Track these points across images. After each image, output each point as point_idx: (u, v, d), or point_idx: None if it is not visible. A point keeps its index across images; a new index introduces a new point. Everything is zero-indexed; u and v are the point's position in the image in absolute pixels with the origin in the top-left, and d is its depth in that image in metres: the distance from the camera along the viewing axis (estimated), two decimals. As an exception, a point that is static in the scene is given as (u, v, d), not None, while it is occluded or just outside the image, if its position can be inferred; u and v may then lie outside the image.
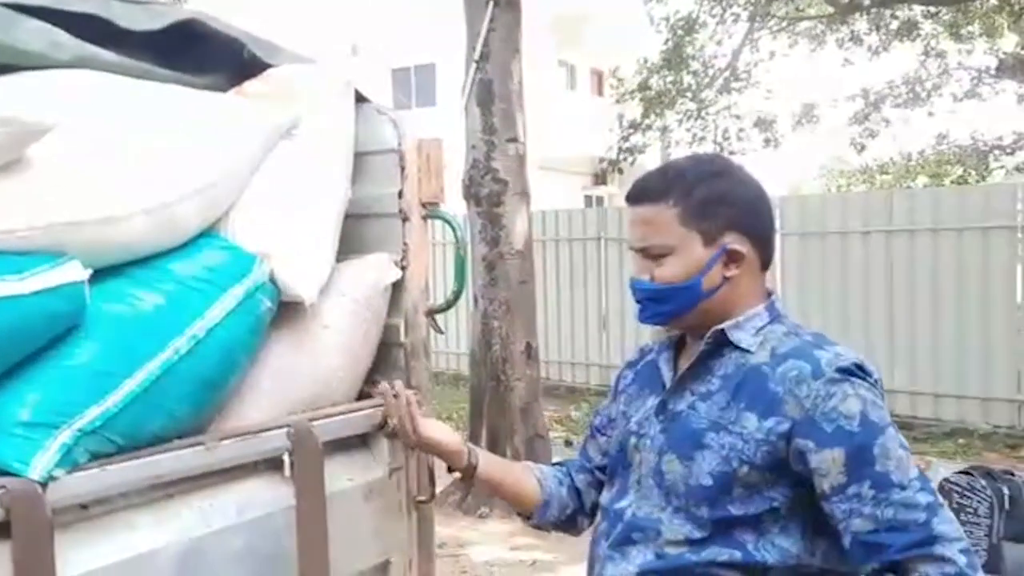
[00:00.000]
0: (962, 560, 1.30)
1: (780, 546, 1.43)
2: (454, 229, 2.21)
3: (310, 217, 1.99)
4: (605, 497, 1.67)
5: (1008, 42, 15.27)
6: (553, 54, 19.27)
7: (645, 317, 1.60)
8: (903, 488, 1.33)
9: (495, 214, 6.52)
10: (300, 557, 1.83)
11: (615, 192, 18.16)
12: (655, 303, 1.57)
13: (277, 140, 1.98)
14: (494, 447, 6.30)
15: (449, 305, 2.24)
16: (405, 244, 2.17)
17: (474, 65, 6.48)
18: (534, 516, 1.76)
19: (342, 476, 1.98)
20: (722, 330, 1.51)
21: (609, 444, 1.71)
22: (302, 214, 1.97)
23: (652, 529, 1.54)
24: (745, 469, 1.43)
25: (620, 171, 11.85)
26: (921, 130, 17.10)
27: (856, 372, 1.40)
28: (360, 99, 2.20)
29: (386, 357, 2.22)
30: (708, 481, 1.47)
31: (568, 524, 1.81)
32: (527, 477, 1.74)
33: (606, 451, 1.73)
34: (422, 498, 2.15)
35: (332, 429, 1.95)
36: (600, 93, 21.08)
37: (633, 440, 1.61)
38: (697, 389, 1.53)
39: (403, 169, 2.15)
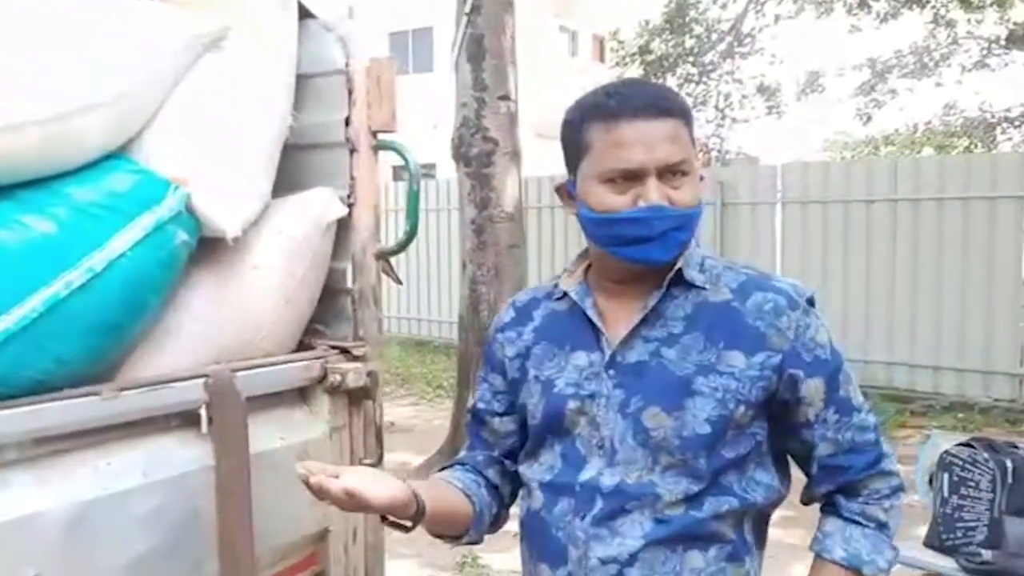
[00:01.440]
0: (898, 471, 1.46)
1: (761, 482, 1.41)
2: (407, 160, 1.97)
3: (239, 142, 1.75)
4: (540, 474, 1.46)
5: (1019, 12, 14.90)
6: (554, 21, 18.89)
7: (660, 252, 1.35)
8: (859, 411, 1.42)
9: (484, 175, 6.28)
10: (220, 526, 1.61)
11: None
12: (679, 232, 1.35)
13: (201, 52, 1.74)
14: (480, 415, 6.10)
15: (402, 247, 2.01)
16: (352, 177, 1.94)
17: (465, 19, 6.21)
18: (469, 533, 1.52)
19: (272, 435, 1.76)
20: (679, 269, 1.39)
21: (507, 424, 1.56)
22: (229, 139, 1.74)
23: (648, 494, 1.35)
24: (742, 409, 1.35)
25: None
26: (928, 101, 16.77)
27: (813, 302, 1.43)
28: (305, 14, 1.95)
29: (331, 305, 1.99)
30: (706, 429, 1.35)
31: (494, 527, 1.60)
32: (457, 496, 1.50)
33: (510, 431, 1.56)
34: (368, 461, 1.93)
35: (260, 382, 1.73)
36: (602, 59, 20.67)
37: (573, 404, 1.42)
38: (653, 335, 1.39)
39: (351, 93, 1.92)
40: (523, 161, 6.51)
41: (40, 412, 1.38)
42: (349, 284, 1.98)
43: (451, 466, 1.62)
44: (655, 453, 1.36)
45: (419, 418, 7.63)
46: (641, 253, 1.35)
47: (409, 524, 1.37)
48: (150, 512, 1.52)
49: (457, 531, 1.50)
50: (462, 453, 1.66)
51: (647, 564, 1.35)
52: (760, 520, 1.43)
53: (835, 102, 17.94)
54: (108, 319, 1.49)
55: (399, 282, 2.23)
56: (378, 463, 1.94)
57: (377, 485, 1.29)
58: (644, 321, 1.39)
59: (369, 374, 1.90)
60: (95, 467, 1.47)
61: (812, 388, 1.37)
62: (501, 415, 1.55)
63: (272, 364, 1.77)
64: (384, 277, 2.07)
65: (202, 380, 1.61)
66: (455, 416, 6.37)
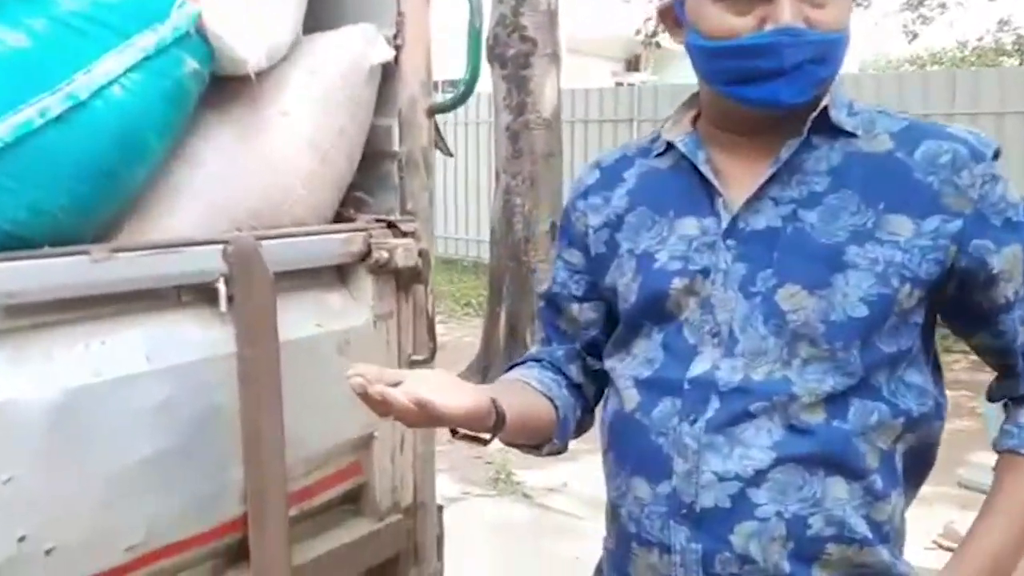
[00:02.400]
0: None
1: (913, 384, 1.10)
2: (467, -11, 1.60)
3: (262, -45, 1.39)
4: (635, 369, 1.18)
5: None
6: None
7: (792, 91, 1.05)
8: None
9: (522, 78, 5.86)
10: (244, 426, 1.31)
11: (648, 79, 17.21)
12: (818, 65, 1.05)
13: None
14: (513, 333, 5.84)
15: (459, 100, 1.66)
16: (400, 14, 1.58)
17: (501, -95, 5.74)
18: (552, 442, 1.25)
19: (307, 319, 1.44)
20: (825, 109, 1.09)
21: (588, 311, 1.28)
22: (250, -51, 1.38)
23: (781, 393, 1.06)
24: (907, 288, 1.06)
25: (658, 45, 10.99)
26: (980, 17, 15.95)
27: (999, 155, 1.12)
28: None
29: (374, 171, 1.65)
30: (862, 311, 1.05)
31: (579, 433, 1.32)
32: (538, 400, 1.23)
33: (592, 319, 1.28)
34: (419, 356, 1.62)
35: (291, 254, 1.41)
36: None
37: (679, 282, 1.13)
38: (787, 195, 1.10)
39: (397, -93, 1.55)
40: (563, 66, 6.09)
41: (12, 272, 1.07)
42: (395, 146, 1.64)
43: (523, 363, 1.31)
44: (792, 343, 1.06)
45: (448, 336, 7.36)
46: (767, 92, 1.04)
47: (487, 437, 1.09)
48: (156, 406, 1.22)
49: (538, 440, 1.22)
50: (534, 348, 1.36)
51: (778, 487, 1.05)
52: (917, 444, 1.12)
53: (880, 17, 17.11)
54: (97, 162, 1.17)
55: (448, 153, 1.89)
56: (430, 359, 1.63)
57: (451, 393, 1.01)
58: (775, 178, 1.08)
59: (420, 253, 1.57)
60: (86, 346, 1.16)
61: (1009, 259, 1.08)
62: (581, 300, 1.27)
63: (306, 234, 1.44)
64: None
65: (220, 247, 1.29)
66: (486, 333, 6.11)
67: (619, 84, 16.91)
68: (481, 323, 6.53)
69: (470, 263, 10.07)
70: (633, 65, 17.91)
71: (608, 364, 1.22)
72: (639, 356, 1.16)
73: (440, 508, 1.79)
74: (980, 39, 15.54)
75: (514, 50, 5.81)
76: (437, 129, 1.74)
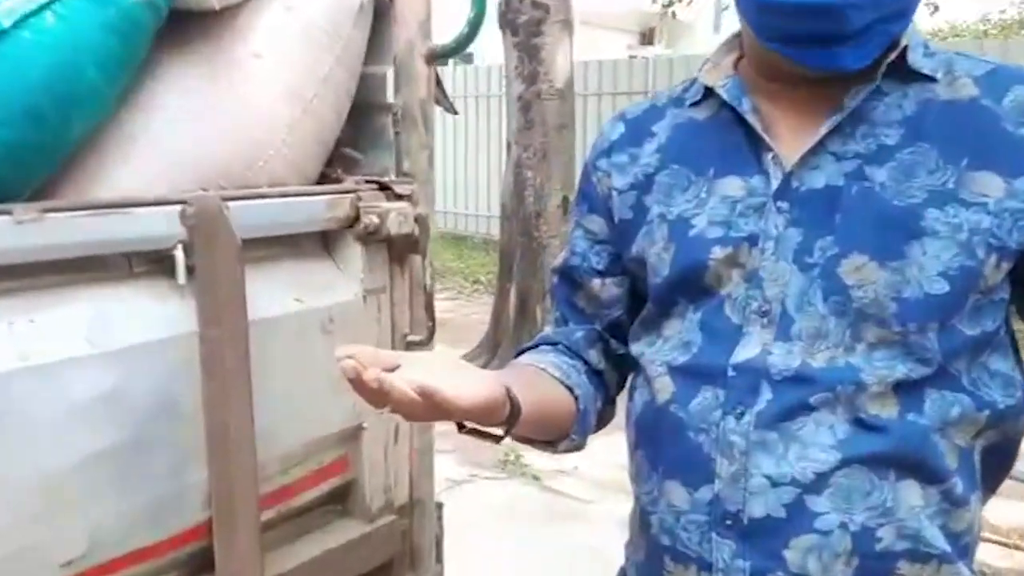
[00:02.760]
0: None
1: (997, 372, 0.92)
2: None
3: None
4: (668, 354, 1.00)
5: None
6: None
7: (858, 56, 0.87)
8: None
9: (533, 46, 5.62)
10: (208, 417, 1.12)
11: (662, 52, 16.88)
12: (889, 24, 0.88)
13: None
14: (523, 311, 5.64)
15: (463, 43, 1.44)
16: (394, -57, 1.37)
17: None
18: (570, 437, 1.06)
19: (284, 294, 1.25)
20: (904, 50, 0.91)
21: (610, 287, 1.11)
22: None
23: (846, 382, 0.88)
24: (994, 259, 0.89)
25: (674, 15, 10.67)
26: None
27: None
28: None
29: (366, 125, 1.45)
30: (941, 286, 0.89)
31: (599, 426, 1.14)
32: (555, 389, 1.04)
33: (614, 296, 1.11)
34: (416, 337, 1.43)
35: (265, 218, 1.21)
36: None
37: (720, 251, 0.96)
38: (851, 149, 0.92)
39: None
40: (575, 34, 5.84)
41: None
42: (390, 97, 1.43)
43: (536, 346, 1.12)
44: (857, 324, 0.89)
45: (456, 313, 7.17)
46: (828, 58, 0.87)
47: (499, 433, 0.92)
48: (99, 396, 1.03)
49: (554, 435, 1.03)
50: (548, 328, 1.17)
51: (842, 493, 0.88)
52: (999, 441, 0.95)
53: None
54: (23, 103, 0.97)
55: (452, 110, 1.68)
56: (428, 341, 1.43)
57: (459, 380, 0.83)
58: (836, 129, 0.90)
59: (417, 220, 1.37)
60: (9, 325, 0.96)
61: None
62: (603, 274, 1.10)
63: (283, 195, 1.24)
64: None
65: (178, 208, 1.09)
66: (496, 310, 5.91)
67: (633, 57, 16.58)
68: (490, 300, 6.34)
69: (480, 239, 9.86)
70: (647, 38, 17.58)
71: (635, 348, 1.04)
72: (672, 339, 0.99)
73: (439, 506, 1.60)
74: (1003, 12, 15.16)
75: (526, 16, 5.57)
76: (439, 80, 1.54)
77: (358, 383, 0.78)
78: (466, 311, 7.27)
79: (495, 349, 5.68)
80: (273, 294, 1.22)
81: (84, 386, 1.01)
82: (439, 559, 1.60)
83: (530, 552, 3.28)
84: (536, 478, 3.95)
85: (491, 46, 6.20)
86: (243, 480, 1.15)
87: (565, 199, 5.72)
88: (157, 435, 1.09)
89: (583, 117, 9.01)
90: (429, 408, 0.80)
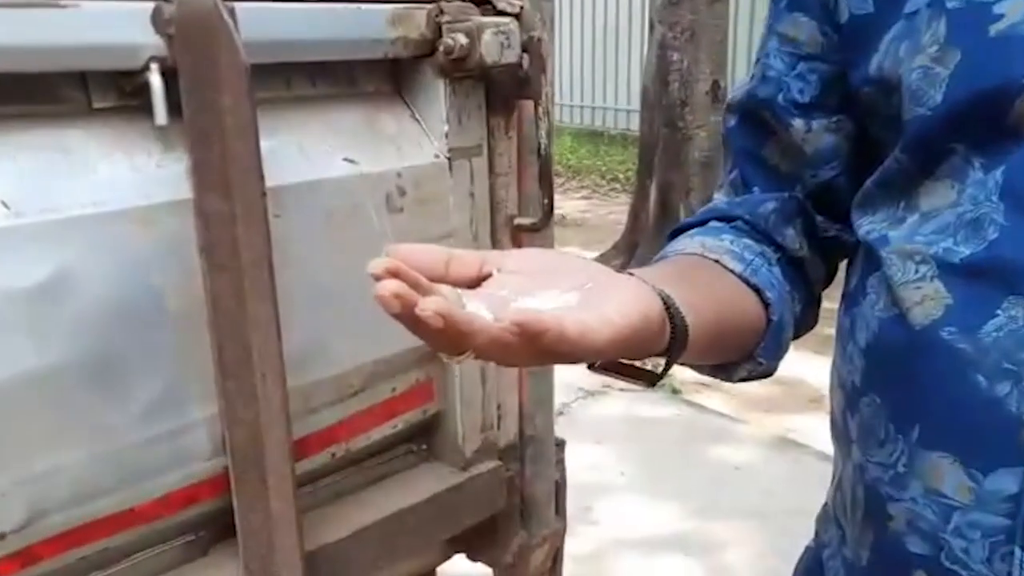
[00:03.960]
0: None
1: None
2: None
3: None
4: (931, 239, 0.59)
5: None
6: None
7: None
8: None
9: (679, -97, 4.98)
10: (214, 326, 0.75)
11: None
12: None
13: None
14: (664, 209, 5.14)
15: None
16: None
17: None
18: (755, 358, 0.70)
19: (327, 153, 0.85)
20: None
21: (820, 133, 0.71)
22: None
23: None
24: None
25: None
26: None
27: None
28: None
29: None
30: None
31: (798, 336, 0.77)
32: (737, 292, 0.69)
33: (830, 147, 0.71)
34: (526, 220, 1.02)
35: (292, 30, 0.81)
36: None
37: None
38: None
39: None
40: None
41: None
42: None
43: (703, 222, 0.75)
44: None
45: (591, 212, 6.73)
46: None
47: (657, 370, 0.58)
48: (31, 291, 0.67)
49: (732, 356, 0.69)
50: (719, 196, 0.79)
51: None
52: None
53: None
54: None
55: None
56: (544, 225, 1.01)
57: (589, 301, 0.49)
58: None
59: (528, 46, 0.94)
60: None
61: None
62: (810, 110, 0.71)
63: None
64: None
65: (149, 5, 0.70)
66: (633, 208, 5.44)
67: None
68: (628, 200, 5.87)
69: (618, 135, 9.28)
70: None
71: (865, 228, 0.66)
72: (943, 215, 0.59)
73: (560, 444, 1.22)
74: None
75: None
76: None
77: (410, 319, 0.43)
78: (601, 211, 6.81)
79: (632, 250, 5.24)
80: (309, 151, 0.83)
81: (8, 275, 0.66)
82: (560, 511, 1.23)
83: (671, 474, 2.91)
84: (676, 391, 3.54)
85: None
86: (270, 415, 0.79)
87: (715, 84, 5.13)
88: (130, 352, 0.73)
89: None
90: (539, 351, 0.45)
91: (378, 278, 0.43)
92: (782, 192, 0.75)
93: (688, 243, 0.71)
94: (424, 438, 1.04)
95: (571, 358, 0.47)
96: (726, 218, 0.75)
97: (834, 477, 0.74)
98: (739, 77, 7.60)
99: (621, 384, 3.63)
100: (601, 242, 5.49)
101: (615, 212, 6.47)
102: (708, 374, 0.74)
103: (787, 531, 2.61)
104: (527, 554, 1.17)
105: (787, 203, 0.74)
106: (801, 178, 0.74)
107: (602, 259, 5.24)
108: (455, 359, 0.46)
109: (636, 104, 6.34)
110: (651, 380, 0.59)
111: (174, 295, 0.75)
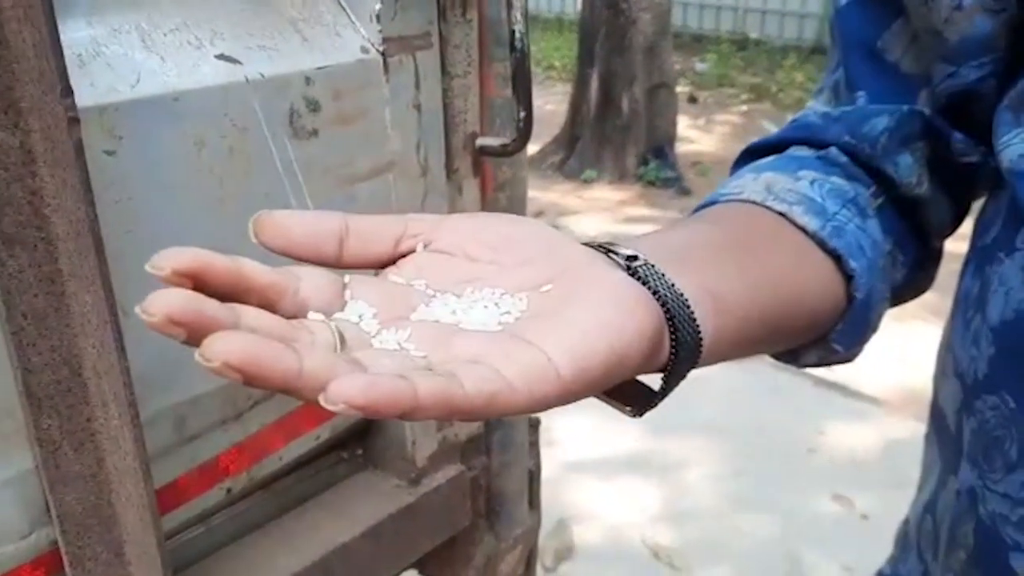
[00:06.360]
0: None
1: None
2: None
3: None
4: None
5: None
6: None
7: None
8: None
9: None
10: (15, 344, 0.45)
11: None
12: None
13: None
14: (606, 99, 4.83)
15: None
16: None
17: None
18: (831, 341, 0.46)
19: (192, 40, 0.54)
20: None
21: (978, 10, 0.42)
22: None
23: None
24: None
25: None
26: None
27: None
28: None
29: None
30: None
31: (898, 303, 0.53)
32: (804, 260, 0.44)
33: (981, 38, 0.42)
34: (493, 141, 0.72)
35: None
36: None
37: None
38: None
39: None
40: None
41: None
42: None
43: (778, 145, 0.52)
44: None
45: (527, 104, 6.36)
46: None
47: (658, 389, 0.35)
48: None
49: (795, 341, 0.47)
50: (814, 104, 0.54)
51: None
52: None
53: None
54: None
55: None
56: (518, 147, 0.72)
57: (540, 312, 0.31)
58: None
59: None
60: None
61: None
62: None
63: None
64: None
65: None
66: (573, 99, 5.11)
67: None
68: (566, 89, 5.52)
69: (553, 18, 8.81)
70: None
71: (1015, 148, 0.41)
72: None
73: (535, 425, 0.96)
74: None
75: None
76: None
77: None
78: (537, 102, 6.38)
79: (573, 144, 4.95)
80: (159, 43, 0.51)
81: None
82: (534, 503, 0.98)
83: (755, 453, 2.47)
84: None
85: None
86: (118, 460, 0.50)
87: (663, -41, 4.77)
88: None
89: None
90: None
91: (166, 282, 0.25)
92: (900, 104, 0.48)
93: (750, 184, 0.47)
94: (359, 442, 0.76)
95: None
96: (815, 142, 0.49)
97: (920, 490, 0.53)
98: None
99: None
100: (538, 136, 5.15)
101: (551, 103, 6.11)
102: (784, 360, 0.50)
103: (745, 448, 2.40)
104: (495, 563, 0.92)
105: (906, 119, 0.48)
106: (931, 81, 0.47)
107: (540, 155, 4.94)
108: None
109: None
110: (637, 410, 0.36)
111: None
